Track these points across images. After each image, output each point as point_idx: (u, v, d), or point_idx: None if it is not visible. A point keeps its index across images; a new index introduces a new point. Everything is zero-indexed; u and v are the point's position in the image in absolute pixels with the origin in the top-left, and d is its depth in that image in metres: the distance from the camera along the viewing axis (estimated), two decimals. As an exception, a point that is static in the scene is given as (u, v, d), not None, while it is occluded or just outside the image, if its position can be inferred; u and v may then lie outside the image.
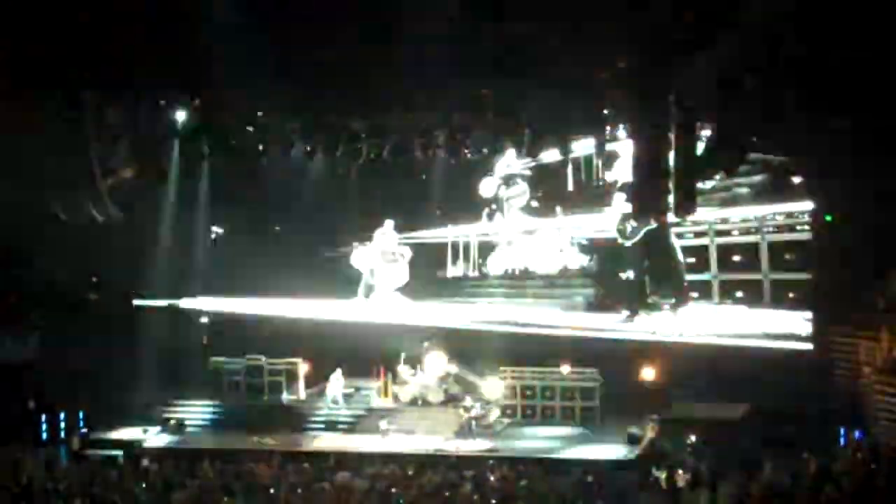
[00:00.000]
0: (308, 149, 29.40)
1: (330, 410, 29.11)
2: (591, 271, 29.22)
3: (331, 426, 28.49)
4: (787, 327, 23.96)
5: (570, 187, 29.13)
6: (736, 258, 27.36)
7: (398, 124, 28.29)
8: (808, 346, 24.30)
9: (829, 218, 25.06)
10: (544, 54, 23.14)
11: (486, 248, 30.82)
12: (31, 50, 23.03)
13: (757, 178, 26.03)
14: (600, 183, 28.68)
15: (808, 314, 24.34)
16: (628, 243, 26.13)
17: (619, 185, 25.81)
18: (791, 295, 25.89)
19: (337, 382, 29.45)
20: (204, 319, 31.66)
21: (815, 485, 19.20)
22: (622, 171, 26.95)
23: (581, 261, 29.31)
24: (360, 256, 30.98)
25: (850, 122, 21.59)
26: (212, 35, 23.48)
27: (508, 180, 30.01)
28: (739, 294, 26.89)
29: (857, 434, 23.86)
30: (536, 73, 24.06)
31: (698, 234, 27.01)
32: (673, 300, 25.07)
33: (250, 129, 29.05)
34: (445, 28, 22.42)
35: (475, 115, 27.04)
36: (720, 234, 27.20)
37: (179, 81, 26.13)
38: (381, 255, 30.41)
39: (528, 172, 29.78)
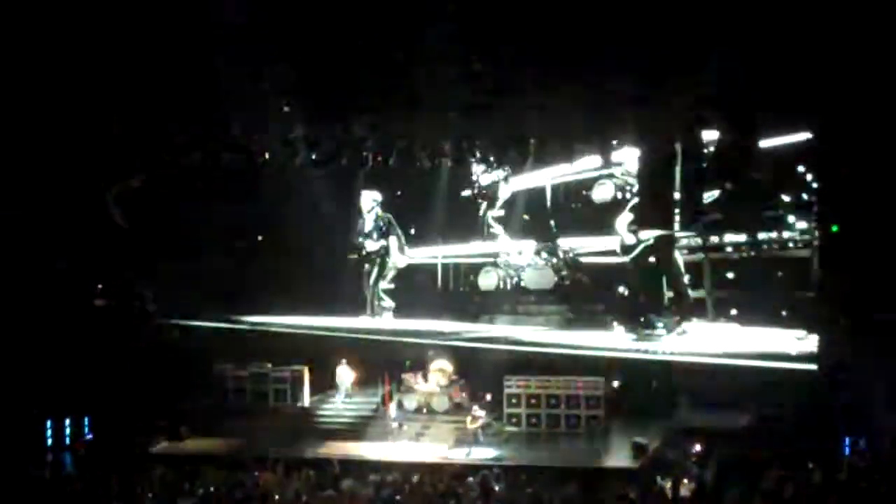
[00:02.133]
0: (313, 157, 29.46)
1: (343, 405, 29.35)
2: (587, 288, 29.07)
3: (336, 433, 28.43)
4: (782, 346, 23.84)
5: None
6: (730, 275, 27.29)
7: (404, 131, 28.33)
8: (812, 361, 24.23)
9: (835, 228, 25.03)
10: (550, 66, 23.23)
11: (474, 266, 30.75)
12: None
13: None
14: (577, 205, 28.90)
15: (802, 333, 24.26)
16: (629, 258, 25.90)
17: (630, 205, 25.72)
18: (784, 313, 25.81)
19: (346, 374, 29.81)
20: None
21: (819, 494, 19.21)
22: (608, 193, 26.83)
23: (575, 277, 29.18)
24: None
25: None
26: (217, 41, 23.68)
27: (487, 200, 30.07)
28: (734, 312, 26.77)
29: (861, 444, 23.82)
30: (543, 84, 24.15)
31: (691, 251, 26.89)
32: (675, 318, 24.92)
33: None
34: (454, 37, 22.53)
35: (481, 124, 27.05)
36: (714, 250, 27.08)
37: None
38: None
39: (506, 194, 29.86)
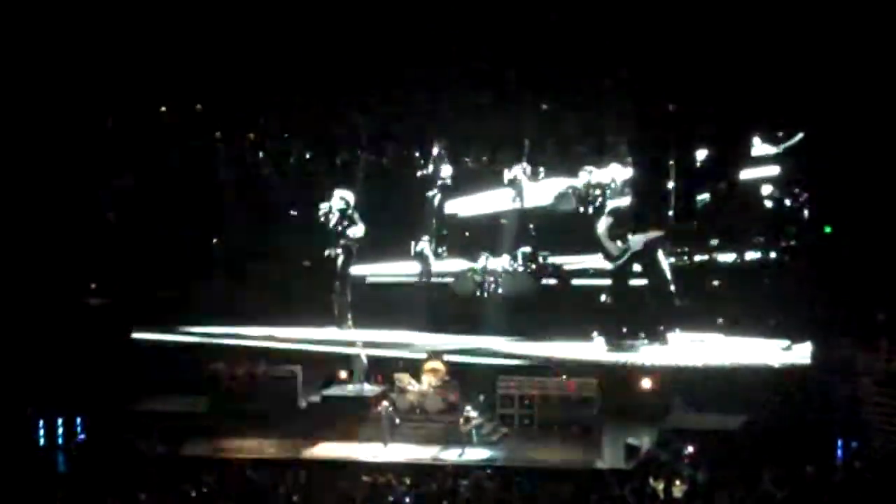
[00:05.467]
0: (307, 156, 29.41)
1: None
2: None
3: (329, 432, 28.30)
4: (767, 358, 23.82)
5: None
6: (715, 283, 27.15)
7: (398, 132, 28.33)
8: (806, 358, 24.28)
9: (828, 229, 25.09)
10: (545, 66, 23.26)
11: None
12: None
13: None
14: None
15: (787, 343, 24.23)
16: (615, 265, 25.65)
17: (607, 208, 25.45)
18: (772, 322, 25.79)
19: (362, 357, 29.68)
20: None
21: (813, 496, 19.24)
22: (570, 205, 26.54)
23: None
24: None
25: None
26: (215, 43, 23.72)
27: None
28: (720, 321, 26.65)
29: (854, 445, 23.87)
30: (537, 83, 24.17)
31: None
32: (659, 327, 24.81)
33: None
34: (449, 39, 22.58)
35: (476, 124, 27.04)
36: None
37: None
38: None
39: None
